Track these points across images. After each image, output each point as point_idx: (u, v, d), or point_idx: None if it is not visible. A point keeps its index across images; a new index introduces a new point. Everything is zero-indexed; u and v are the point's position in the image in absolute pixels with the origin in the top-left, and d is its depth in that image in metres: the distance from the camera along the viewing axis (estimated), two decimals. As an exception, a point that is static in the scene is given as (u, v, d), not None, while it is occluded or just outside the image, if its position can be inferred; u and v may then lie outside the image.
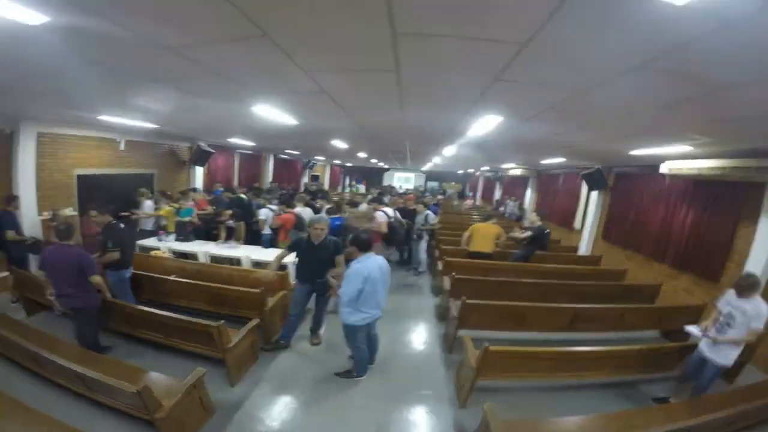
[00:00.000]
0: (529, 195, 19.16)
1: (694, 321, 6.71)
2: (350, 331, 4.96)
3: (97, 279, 5.04)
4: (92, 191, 9.61)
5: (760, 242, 6.46)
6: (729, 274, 7.13)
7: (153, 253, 8.29)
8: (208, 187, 13.78)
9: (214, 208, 10.20)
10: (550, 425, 3.99)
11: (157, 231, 9.46)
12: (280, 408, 4.74)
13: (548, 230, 10.22)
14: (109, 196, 9.54)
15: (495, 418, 3.73)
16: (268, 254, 8.38)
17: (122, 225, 6.10)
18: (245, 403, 4.74)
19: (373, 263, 4.77)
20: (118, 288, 6.06)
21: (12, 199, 7.47)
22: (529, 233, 9.86)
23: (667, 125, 4.74)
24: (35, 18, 2.44)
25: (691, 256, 8.16)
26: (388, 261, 5.39)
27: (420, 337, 7.00)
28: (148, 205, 10.16)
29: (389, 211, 9.76)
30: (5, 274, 7.10)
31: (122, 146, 10.48)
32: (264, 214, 9.67)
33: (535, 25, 2.23)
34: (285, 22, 2.48)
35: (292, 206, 9.69)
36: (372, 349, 5.53)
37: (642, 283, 8.90)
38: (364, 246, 4.86)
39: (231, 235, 9.56)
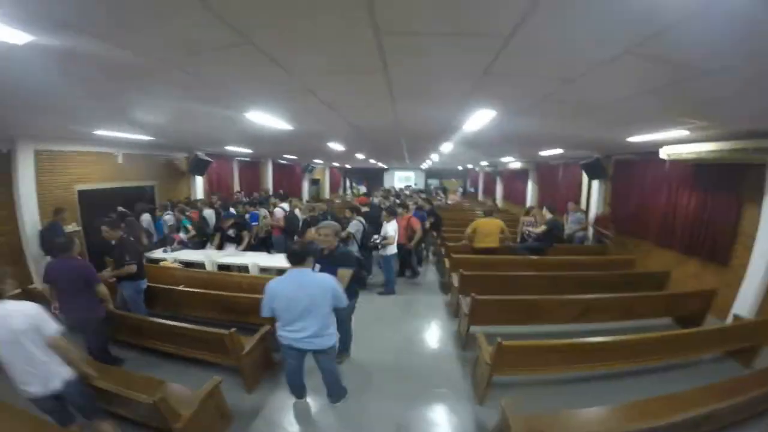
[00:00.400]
0: (530, 188, 19.12)
1: (706, 306, 6.75)
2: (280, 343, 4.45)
3: (102, 289, 5.07)
4: (94, 206, 9.60)
5: (766, 223, 6.42)
6: (738, 257, 7.13)
7: (161, 264, 8.29)
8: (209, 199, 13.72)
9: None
10: (567, 417, 3.98)
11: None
12: (298, 413, 4.73)
13: (562, 222, 10.35)
14: (112, 210, 9.59)
15: (513, 413, 3.71)
16: (275, 260, 8.39)
17: (132, 238, 6.15)
18: (263, 410, 4.73)
19: (290, 279, 4.17)
20: (135, 299, 6.13)
21: (60, 211, 7.91)
22: (543, 227, 9.91)
23: (659, 110, 4.73)
24: (19, 37, 2.42)
25: (698, 240, 8.15)
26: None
27: (433, 335, 6.99)
28: (167, 218, 10.26)
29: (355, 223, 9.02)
30: (17, 291, 7.07)
31: (120, 159, 10.48)
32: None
33: (518, 17, 2.22)
34: (267, 27, 2.47)
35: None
36: (327, 385, 4.77)
37: (651, 270, 8.90)
38: (293, 259, 4.24)
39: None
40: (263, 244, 10.69)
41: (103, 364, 4.81)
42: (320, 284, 4.18)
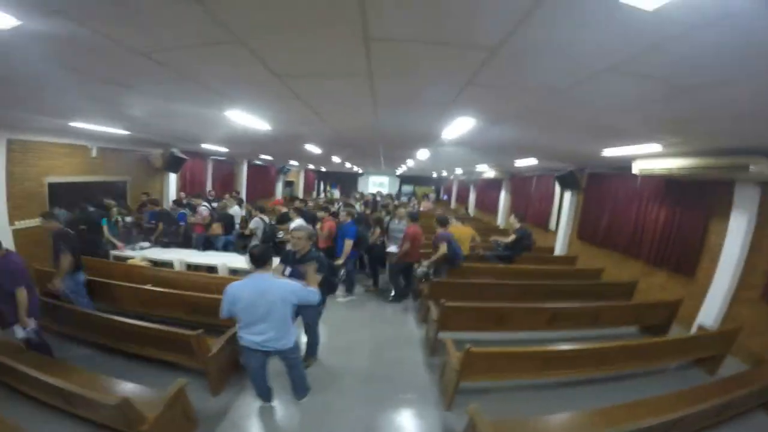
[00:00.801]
0: (503, 197, 19.29)
1: (671, 316, 6.89)
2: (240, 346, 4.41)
3: (20, 296, 4.70)
4: (64, 199, 9.39)
5: (732, 237, 6.64)
6: (704, 269, 7.30)
7: (129, 261, 8.15)
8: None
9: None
10: (536, 423, 4.02)
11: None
12: (265, 416, 4.68)
13: (530, 231, 10.52)
14: (81, 204, 9.41)
15: (481, 418, 3.73)
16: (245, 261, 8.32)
17: (71, 231, 6.17)
18: (229, 413, 4.66)
19: (250, 284, 4.07)
20: (75, 291, 6.02)
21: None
22: (513, 236, 10.04)
23: (635, 125, 4.83)
24: (5, 21, 2.38)
25: (666, 252, 8.32)
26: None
27: (401, 340, 6.95)
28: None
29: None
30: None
31: (94, 153, 10.28)
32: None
33: (506, 31, 2.25)
34: (256, 27, 2.46)
35: None
36: (293, 382, 4.79)
37: (618, 280, 9.06)
38: (254, 261, 4.16)
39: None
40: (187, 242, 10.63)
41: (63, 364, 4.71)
42: (279, 290, 4.12)
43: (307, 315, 5.31)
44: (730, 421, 4.59)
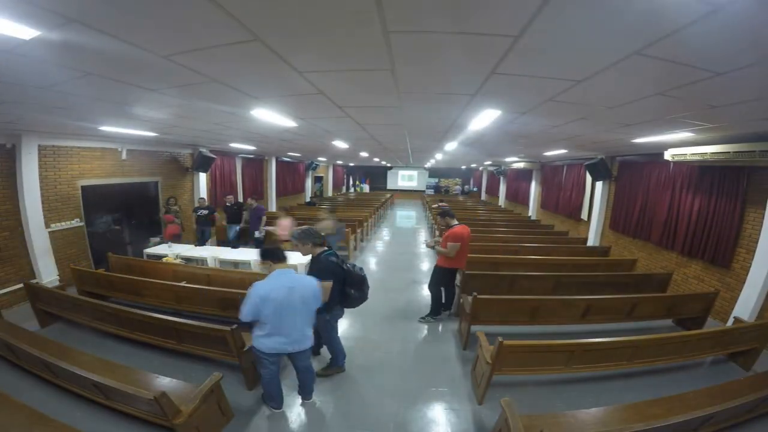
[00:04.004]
0: (534, 188, 19.14)
1: (707, 308, 6.75)
2: (255, 355, 4.39)
3: None
4: (98, 201, 9.65)
5: (769, 226, 6.43)
6: (740, 260, 7.11)
7: (164, 259, 8.35)
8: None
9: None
10: (569, 418, 3.98)
11: None
12: (299, 409, 4.75)
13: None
14: (115, 205, 9.67)
15: (513, 412, 3.71)
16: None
17: None
18: (263, 406, 4.74)
19: (280, 281, 4.04)
20: None
21: None
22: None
23: (665, 112, 4.70)
24: (25, 32, 2.42)
25: (700, 242, 8.11)
26: None
27: (434, 333, 6.98)
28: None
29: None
30: (19, 286, 7.14)
31: (124, 155, 10.46)
32: None
33: (527, 17, 2.21)
34: (276, 25, 2.46)
35: None
36: (302, 383, 4.77)
37: (653, 272, 8.91)
38: (271, 256, 4.17)
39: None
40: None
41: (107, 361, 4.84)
42: (308, 284, 4.18)
43: (318, 325, 4.96)
44: (764, 417, 4.47)
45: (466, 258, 7.55)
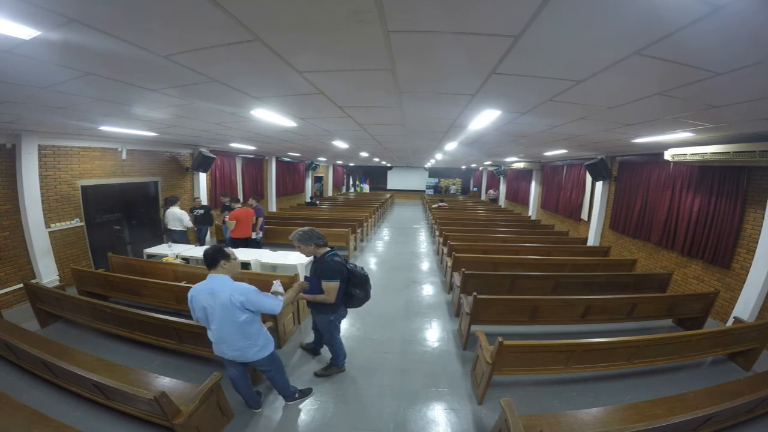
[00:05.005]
0: (533, 188, 19.16)
1: (707, 308, 6.75)
2: None
3: None
4: (98, 201, 9.66)
5: (769, 227, 6.43)
6: (740, 260, 7.12)
7: (164, 259, 8.34)
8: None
9: None
10: (568, 418, 3.98)
11: None
12: (299, 411, 4.74)
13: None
14: (115, 205, 9.67)
15: (513, 412, 3.72)
16: (281, 257, 8.46)
17: None
18: (263, 406, 4.74)
19: (203, 286, 3.88)
20: None
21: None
22: None
23: (665, 112, 4.70)
24: (25, 32, 2.42)
25: (700, 242, 8.12)
26: None
27: (434, 333, 6.96)
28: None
29: None
30: (19, 286, 7.15)
31: (124, 155, 10.46)
32: None
33: (527, 17, 2.21)
34: (276, 25, 2.45)
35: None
36: (274, 387, 4.73)
37: (652, 272, 8.92)
38: (205, 261, 3.94)
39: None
40: None
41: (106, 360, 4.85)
42: (227, 289, 3.82)
43: (321, 325, 5.14)
44: (764, 417, 4.47)
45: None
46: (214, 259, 3.84)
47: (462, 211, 20.81)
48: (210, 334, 4.03)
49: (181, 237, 10.51)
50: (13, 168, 7.49)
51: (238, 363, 4.21)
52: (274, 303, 4.04)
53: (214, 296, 3.79)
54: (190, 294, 3.93)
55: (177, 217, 10.37)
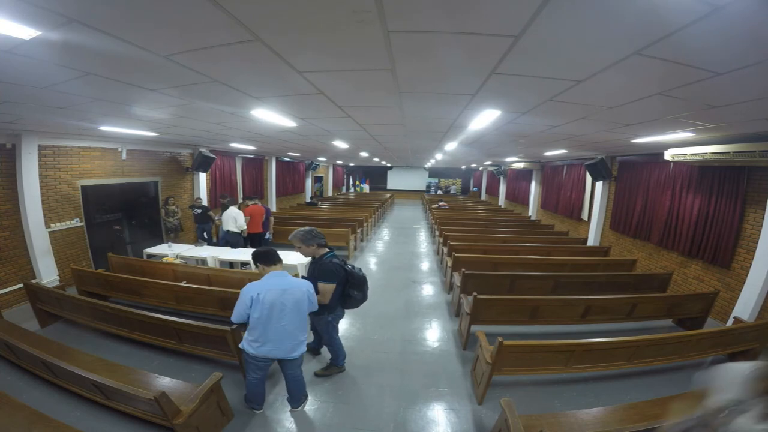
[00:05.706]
0: (534, 188, 19.16)
1: (707, 308, 6.74)
2: (243, 357, 4.34)
3: None
4: (98, 201, 9.66)
5: (769, 227, 6.43)
6: (740, 260, 7.12)
7: (164, 259, 8.34)
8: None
9: None
10: (568, 418, 3.97)
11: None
12: (299, 411, 4.73)
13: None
14: (115, 205, 9.68)
15: (513, 412, 3.72)
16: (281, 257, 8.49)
17: None
18: (263, 407, 4.72)
19: (272, 283, 4.01)
20: None
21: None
22: None
23: (665, 112, 4.69)
24: (25, 32, 2.41)
25: (700, 243, 8.13)
26: None
27: (434, 333, 6.95)
28: None
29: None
30: (19, 286, 7.15)
31: (124, 155, 10.45)
32: None
33: (527, 17, 2.20)
34: (276, 25, 2.45)
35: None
36: (290, 392, 4.67)
37: (652, 272, 8.92)
38: (264, 258, 4.14)
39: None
40: None
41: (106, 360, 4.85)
42: (301, 287, 4.13)
43: (319, 326, 5.17)
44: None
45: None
46: (275, 255, 4.19)
47: (462, 211, 20.82)
48: (259, 334, 4.02)
49: (234, 238, 10.36)
50: (13, 168, 7.48)
51: (269, 364, 4.30)
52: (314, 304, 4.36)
53: (288, 292, 4.01)
54: (253, 291, 3.95)
55: (232, 216, 10.29)
